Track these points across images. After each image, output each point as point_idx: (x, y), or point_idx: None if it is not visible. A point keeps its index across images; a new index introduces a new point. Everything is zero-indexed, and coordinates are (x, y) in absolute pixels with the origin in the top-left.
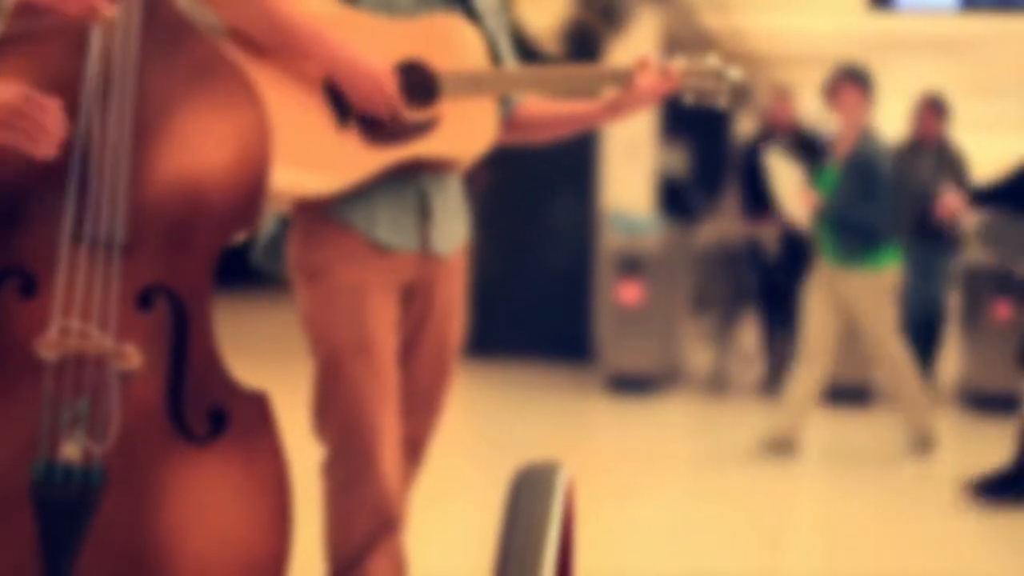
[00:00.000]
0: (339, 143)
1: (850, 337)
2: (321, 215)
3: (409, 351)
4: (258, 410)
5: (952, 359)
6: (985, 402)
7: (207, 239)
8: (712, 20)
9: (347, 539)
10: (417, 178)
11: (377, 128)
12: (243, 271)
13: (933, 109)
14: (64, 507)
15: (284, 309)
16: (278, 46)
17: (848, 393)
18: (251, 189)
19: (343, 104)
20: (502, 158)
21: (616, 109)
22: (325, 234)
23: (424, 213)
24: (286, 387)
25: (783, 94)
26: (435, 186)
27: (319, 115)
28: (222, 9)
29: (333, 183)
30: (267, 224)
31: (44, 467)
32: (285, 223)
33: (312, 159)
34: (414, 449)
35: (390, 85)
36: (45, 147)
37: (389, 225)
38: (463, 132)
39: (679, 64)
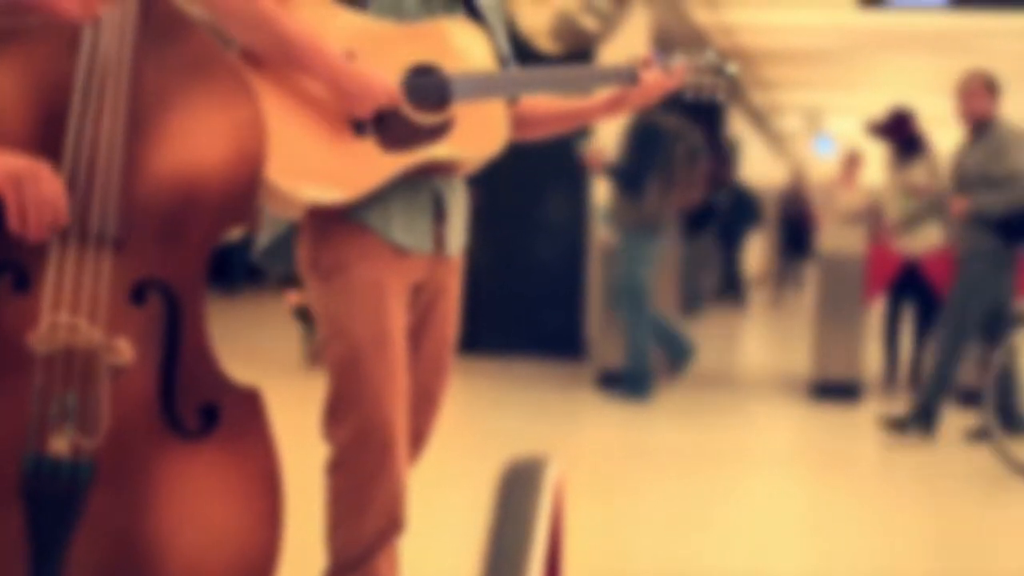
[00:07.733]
0: (355, 152)
1: (842, 333)
2: (337, 216)
3: (413, 348)
4: (250, 406)
5: None
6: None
7: (201, 234)
8: (703, 16)
9: (356, 536)
10: (430, 181)
11: (393, 134)
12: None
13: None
14: (52, 501)
15: (280, 308)
16: (278, 60)
17: (838, 389)
18: (246, 184)
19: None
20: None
21: (616, 105)
22: (342, 234)
23: (439, 215)
24: (280, 385)
25: None
26: (448, 188)
27: (336, 125)
28: (224, 22)
29: (350, 192)
30: (273, 225)
31: (33, 461)
32: (292, 225)
33: (329, 170)
34: (414, 446)
35: (387, 91)
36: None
37: (405, 227)
38: (476, 134)
39: (681, 62)
